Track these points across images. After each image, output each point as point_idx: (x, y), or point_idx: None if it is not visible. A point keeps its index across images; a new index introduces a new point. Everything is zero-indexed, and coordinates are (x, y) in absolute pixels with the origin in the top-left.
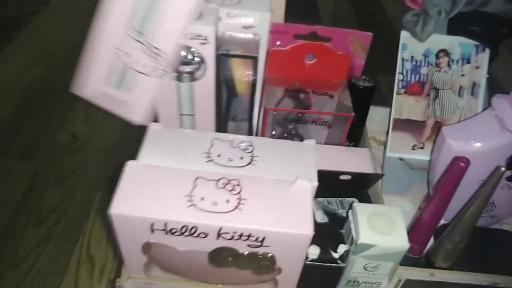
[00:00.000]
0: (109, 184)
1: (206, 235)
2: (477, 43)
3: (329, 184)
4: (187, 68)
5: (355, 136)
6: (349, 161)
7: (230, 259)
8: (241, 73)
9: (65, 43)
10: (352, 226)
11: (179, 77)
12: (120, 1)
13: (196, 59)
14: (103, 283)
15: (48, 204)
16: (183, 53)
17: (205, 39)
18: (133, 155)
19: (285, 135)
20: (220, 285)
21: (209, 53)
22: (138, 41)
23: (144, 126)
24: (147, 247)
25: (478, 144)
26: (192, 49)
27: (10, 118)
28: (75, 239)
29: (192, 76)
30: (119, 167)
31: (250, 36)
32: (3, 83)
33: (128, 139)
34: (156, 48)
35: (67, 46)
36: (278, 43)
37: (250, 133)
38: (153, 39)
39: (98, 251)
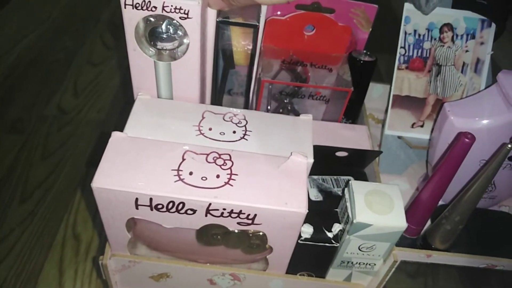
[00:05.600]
0: (97, 160)
1: (194, 211)
2: (483, 18)
3: (325, 161)
4: (168, 45)
5: (353, 113)
6: (346, 138)
7: (219, 237)
8: (240, 42)
9: (56, 14)
10: (348, 204)
11: (158, 55)
12: None
13: (179, 32)
14: (89, 261)
15: (34, 179)
16: (163, 26)
17: (186, 14)
18: (122, 130)
19: (280, 110)
20: (208, 264)
21: (192, 28)
22: None
23: (133, 101)
24: (131, 224)
25: (482, 122)
26: (174, 21)
27: None
28: (61, 216)
29: (173, 54)
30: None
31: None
32: None
33: (118, 114)
34: None
35: (58, 17)
36: (278, 13)
37: (246, 107)
38: None
39: (84, 229)
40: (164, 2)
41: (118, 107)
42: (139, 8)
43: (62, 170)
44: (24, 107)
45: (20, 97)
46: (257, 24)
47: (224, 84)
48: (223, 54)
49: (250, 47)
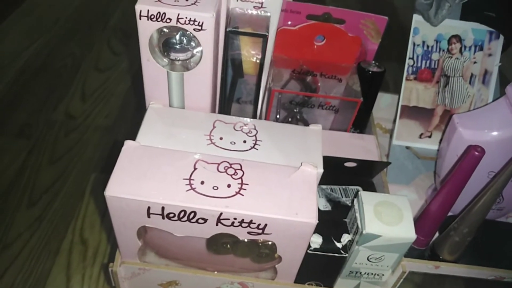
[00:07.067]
0: (104, 165)
1: (205, 220)
2: (491, 29)
3: (334, 171)
4: (181, 56)
5: (361, 123)
6: (355, 148)
7: (228, 246)
8: (249, 52)
9: (63, 20)
10: (357, 215)
11: (171, 65)
12: None
13: (192, 43)
14: (96, 266)
15: (41, 184)
16: (177, 36)
17: (200, 26)
18: (130, 136)
19: (290, 119)
20: (216, 272)
21: (206, 40)
22: None
23: (142, 108)
24: (142, 232)
25: (491, 134)
26: (188, 33)
27: (5, 95)
28: (68, 221)
29: (186, 65)
30: (116, 148)
31: (260, 13)
32: None
33: (125, 119)
34: None
35: (65, 23)
36: (289, 23)
37: (254, 116)
38: None
39: (91, 234)
40: (178, 14)
41: (126, 113)
42: (154, 19)
43: (70, 175)
44: (32, 113)
45: (28, 103)
46: (266, 34)
47: (233, 93)
48: (232, 63)
49: (259, 57)
